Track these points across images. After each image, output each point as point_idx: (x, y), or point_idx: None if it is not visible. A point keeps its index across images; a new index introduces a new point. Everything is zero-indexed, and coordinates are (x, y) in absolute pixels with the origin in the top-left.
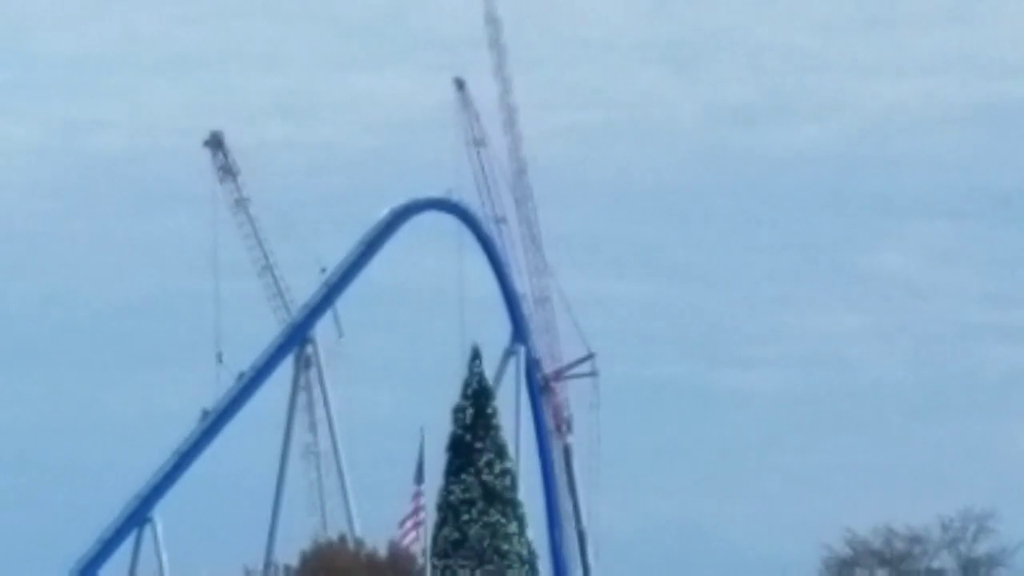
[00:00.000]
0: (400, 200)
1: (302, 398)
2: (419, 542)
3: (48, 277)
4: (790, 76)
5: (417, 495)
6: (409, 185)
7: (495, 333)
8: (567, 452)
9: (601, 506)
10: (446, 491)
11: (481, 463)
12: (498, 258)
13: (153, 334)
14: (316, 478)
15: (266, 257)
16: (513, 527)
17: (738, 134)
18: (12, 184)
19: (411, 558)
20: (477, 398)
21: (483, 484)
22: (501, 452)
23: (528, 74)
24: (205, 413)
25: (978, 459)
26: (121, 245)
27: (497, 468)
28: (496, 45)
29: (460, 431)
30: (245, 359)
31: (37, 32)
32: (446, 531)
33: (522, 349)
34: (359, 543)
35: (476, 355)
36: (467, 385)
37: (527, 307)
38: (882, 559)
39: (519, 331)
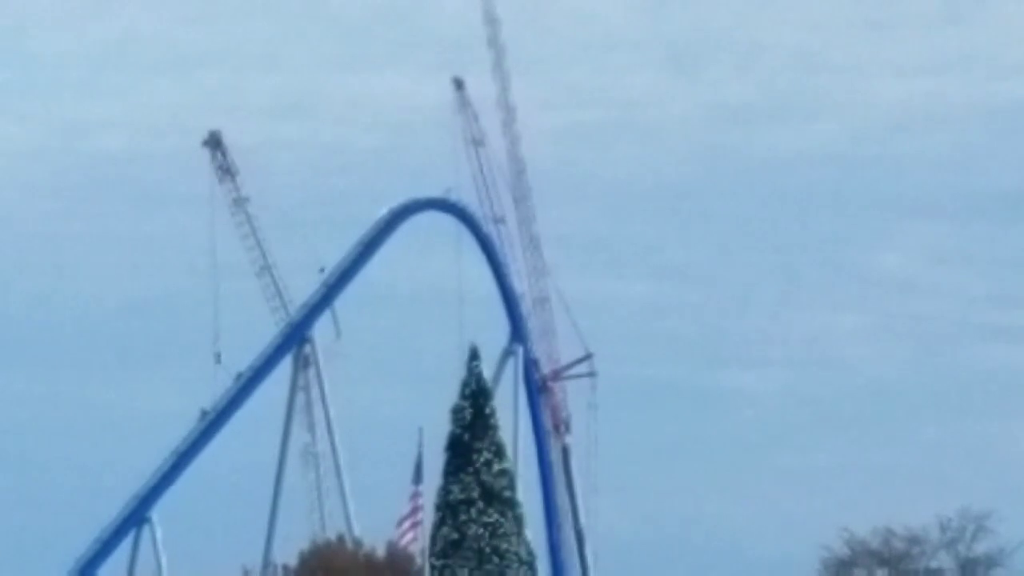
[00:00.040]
0: (399, 200)
1: (300, 398)
2: (417, 542)
3: (47, 277)
4: (790, 76)
5: (415, 495)
6: (408, 185)
7: (493, 333)
8: (565, 452)
9: (599, 506)
10: (444, 491)
11: (479, 463)
12: (497, 258)
13: (151, 334)
14: (314, 478)
15: (264, 257)
16: (511, 527)
17: (738, 134)
18: (12, 184)
19: (409, 558)
20: (475, 398)
21: (481, 484)
22: (499, 452)
23: (527, 74)
24: (203, 413)
25: (977, 459)
26: (120, 245)
27: (495, 468)
28: (495, 45)
29: (458, 431)
30: (243, 359)
31: (37, 32)
32: (444, 531)
33: (520, 349)
34: (357, 543)
35: (474, 355)
36: (465, 385)
37: (525, 307)
38: (881, 559)
39: (517, 331)
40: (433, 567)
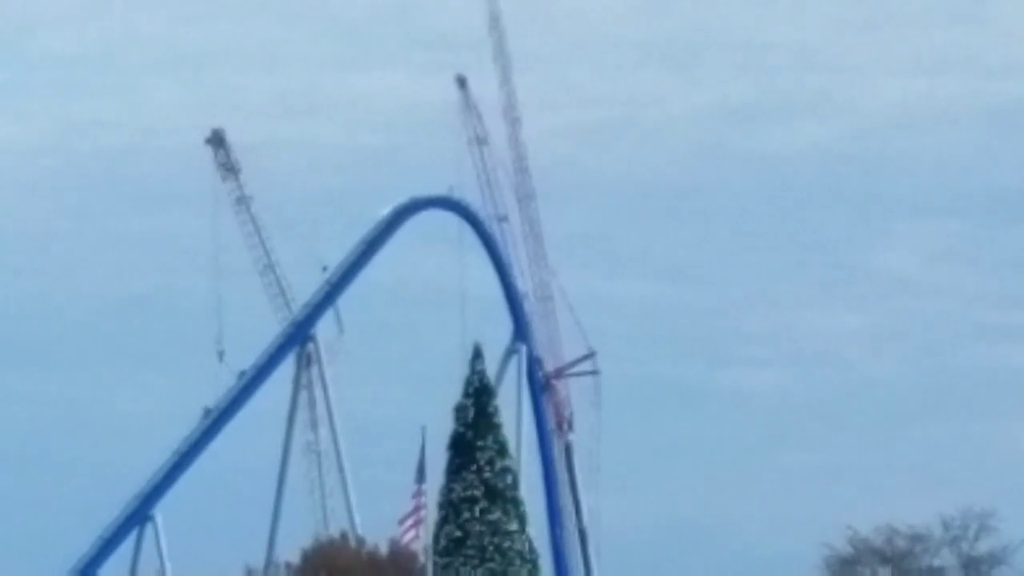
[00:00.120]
0: (402, 198)
1: (303, 396)
2: (419, 540)
3: (49, 276)
4: (790, 75)
5: (418, 493)
6: (411, 183)
7: (496, 331)
8: (568, 450)
9: (602, 504)
10: (447, 489)
11: (482, 461)
12: (499, 256)
13: (154, 333)
14: (317, 476)
15: (267, 255)
16: (514, 525)
17: (738, 133)
18: (13, 184)
19: (412, 556)
20: (478, 396)
21: (484, 482)
22: (502, 450)
23: (530, 73)
24: (206, 411)
25: (979, 458)
26: (122, 244)
27: (498, 466)
28: (498, 44)
29: (461, 429)
30: (246, 357)
31: (38, 32)
32: (447, 529)
33: (523, 347)
34: (360, 541)
35: (477, 353)
36: (468, 383)
37: (528, 305)
38: (883, 557)
39: (520, 329)
40: (436, 565)
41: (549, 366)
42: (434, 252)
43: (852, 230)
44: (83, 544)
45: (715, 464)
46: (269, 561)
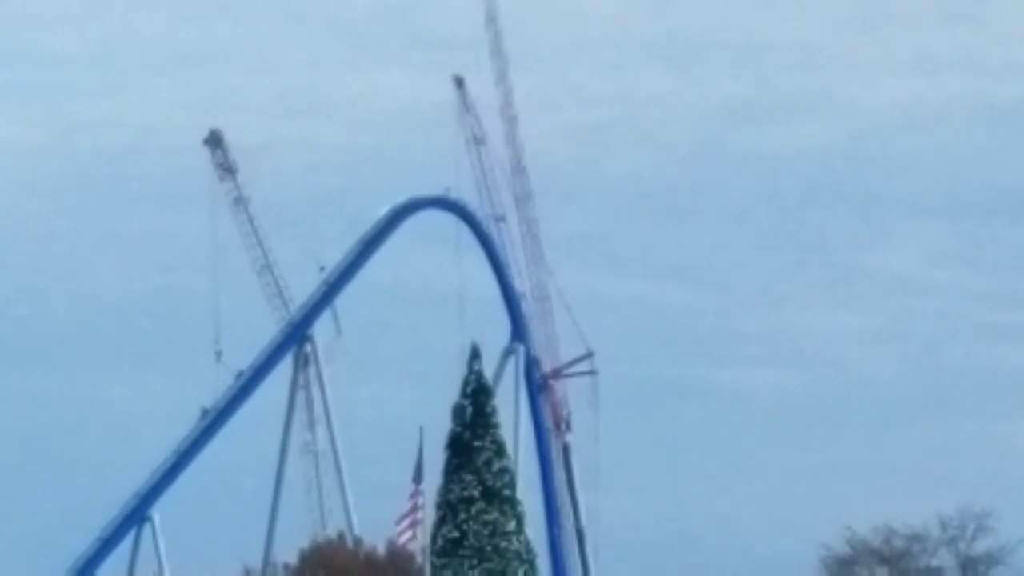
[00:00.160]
0: (399, 199)
1: (301, 396)
2: (416, 540)
3: (47, 276)
4: (789, 75)
5: (415, 494)
6: (408, 183)
7: (494, 331)
8: (566, 450)
9: (600, 504)
10: (445, 489)
11: (480, 462)
12: (497, 257)
13: (152, 333)
14: (315, 476)
15: (265, 256)
16: (512, 525)
17: (737, 133)
18: (12, 183)
19: (410, 556)
20: (476, 396)
21: (482, 482)
22: (500, 450)
23: (528, 73)
24: (204, 411)
25: (977, 458)
26: (120, 244)
27: (496, 466)
28: (496, 44)
29: (459, 429)
30: (244, 358)
31: (37, 31)
32: (445, 529)
33: (521, 347)
34: (358, 541)
35: (475, 353)
36: (466, 383)
37: (526, 306)
38: (881, 557)
39: (518, 329)
40: (433, 565)
41: (547, 366)
42: (432, 252)
43: (852, 230)
44: (81, 544)
45: (713, 464)
46: (267, 561)
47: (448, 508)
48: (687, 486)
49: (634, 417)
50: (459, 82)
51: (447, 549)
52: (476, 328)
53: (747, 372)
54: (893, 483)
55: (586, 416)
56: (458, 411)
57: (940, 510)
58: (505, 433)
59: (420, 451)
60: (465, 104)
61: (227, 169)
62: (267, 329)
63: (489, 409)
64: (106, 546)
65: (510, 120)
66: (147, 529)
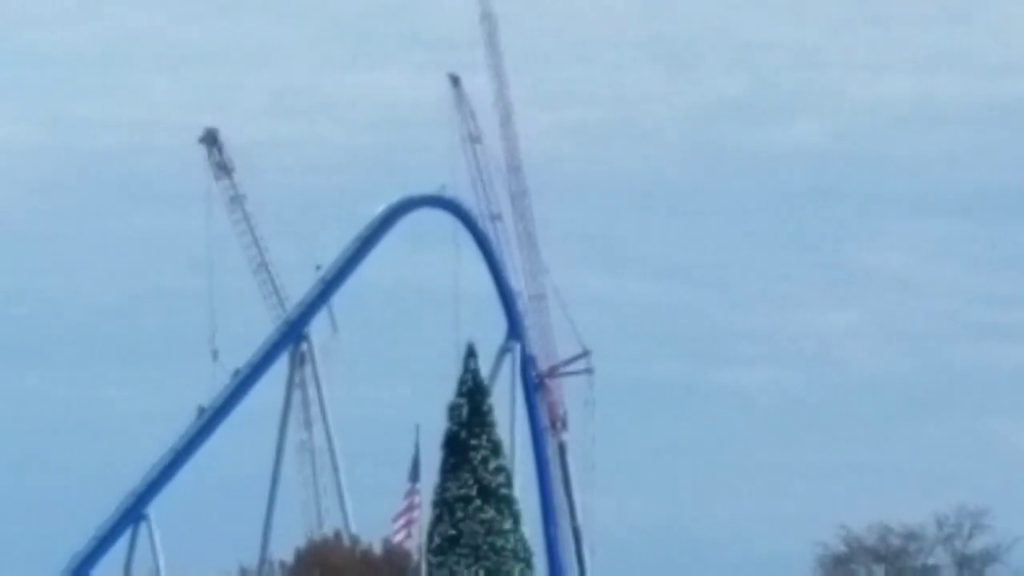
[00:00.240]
0: (395, 197)
1: (297, 395)
2: (412, 539)
3: (43, 275)
4: (785, 73)
5: (411, 492)
6: (404, 182)
7: (490, 330)
8: (562, 449)
9: (596, 503)
10: (441, 488)
11: (476, 460)
12: (493, 255)
13: (148, 331)
14: (311, 475)
15: (261, 254)
16: (508, 524)
17: (734, 131)
18: (7, 182)
19: (406, 555)
20: (472, 395)
21: (478, 481)
22: (496, 449)
23: (523, 71)
24: (201, 410)
25: (973, 456)
26: (116, 242)
27: (492, 465)
28: (491, 42)
29: (455, 428)
30: (240, 356)
31: (33, 30)
32: (441, 528)
33: (517, 346)
34: (354, 540)
35: (471, 352)
36: (462, 382)
37: (522, 304)
38: (877, 556)
39: (514, 328)
40: (430, 564)
41: (543, 365)
42: (428, 251)
43: (850, 229)
44: (77, 542)
45: (709, 463)
46: (263, 560)
47: (444, 507)
48: (683, 485)
49: (630, 416)
50: (455, 80)
51: (443, 547)
52: (472, 326)
53: (744, 371)
54: (889, 482)
55: (582, 415)
56: (454, 410)
57: (936, 508)
58: (501, 432)
59: (416, 450)
60: (461, 103)
61: (223, 168)
62: (263, 327)
63: (485, 408)
64: (102, 544)
65: (506, 118)
66: (143, 527)
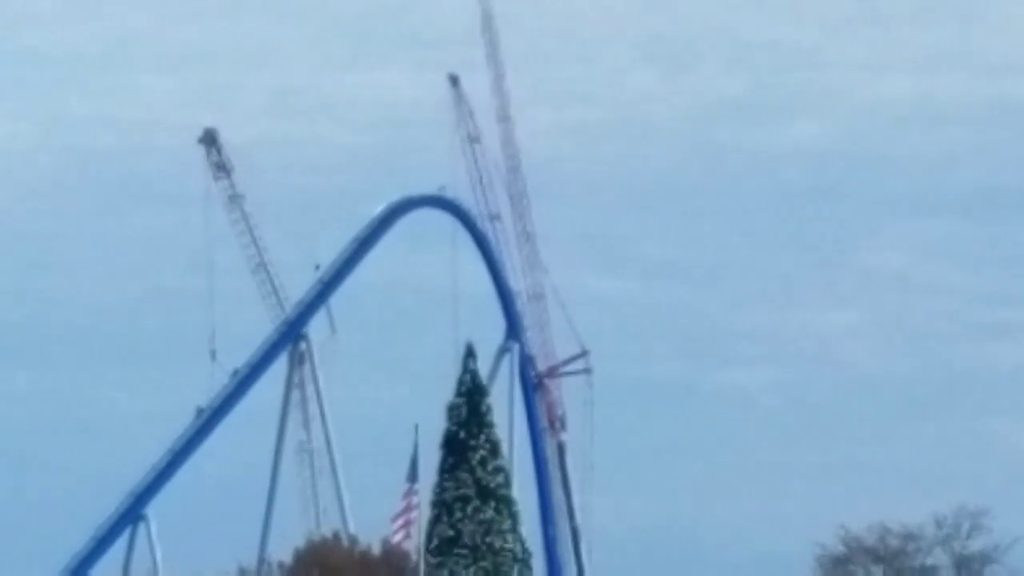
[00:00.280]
0: (394, 197)
1: (296, 395)
2: (410, 539)
3: (40, 275)
4: (785, 73)
5: (409, 492)
6: (403, 182)
7: (489, 330)
8: (561, 449)
9: (594, 503)
10: (440, 488)
11: (475, 460)
12: (492, 255)
13: (147, 331)
14: (310, 475)
15: (260, 254)
16: (507, 524)
17: (732, 131)
18: (6, 182)
19: (405, 555)
20: (471, 395)
21: (477, 481)
22: (495, 449)
23: (522, 71)
24: (199, 410)
25: (972, 456)
26: (114, 243)
27: (491, 465)
28: (491, 42)
29: (454, 428)
30: (239, 356)
31: (33, 30)
32: (440, 528)
33: (516, 346)
34: (353, 540)
35: (470, 352)
36: (461, 382)
37: (521, 304)
38: (876, 556)
39: (513, 328)
40: (429, 564)
41: (541, 365)
42: (427, 251)
43: (850, 229)
44: (76, 543)
45: (707, 462)
46: (261, 560)
47: (443, 507)
48: (681, 485)
49: (629, 416)
50: (454, 80)
51: (442, 548)
52: (471, 327)
53: (742, 370)
54: (889, 481)
55: (581, 415)
56: (453, 410)
57: (935, 509)
58: (500, 432)
59: (415, 450)
60: (460, 102)
61: (222, 168)
62: (262, 327)
63: (484, 408)
64: (101, 545)
65: (506, 119)
66: (142, 528)
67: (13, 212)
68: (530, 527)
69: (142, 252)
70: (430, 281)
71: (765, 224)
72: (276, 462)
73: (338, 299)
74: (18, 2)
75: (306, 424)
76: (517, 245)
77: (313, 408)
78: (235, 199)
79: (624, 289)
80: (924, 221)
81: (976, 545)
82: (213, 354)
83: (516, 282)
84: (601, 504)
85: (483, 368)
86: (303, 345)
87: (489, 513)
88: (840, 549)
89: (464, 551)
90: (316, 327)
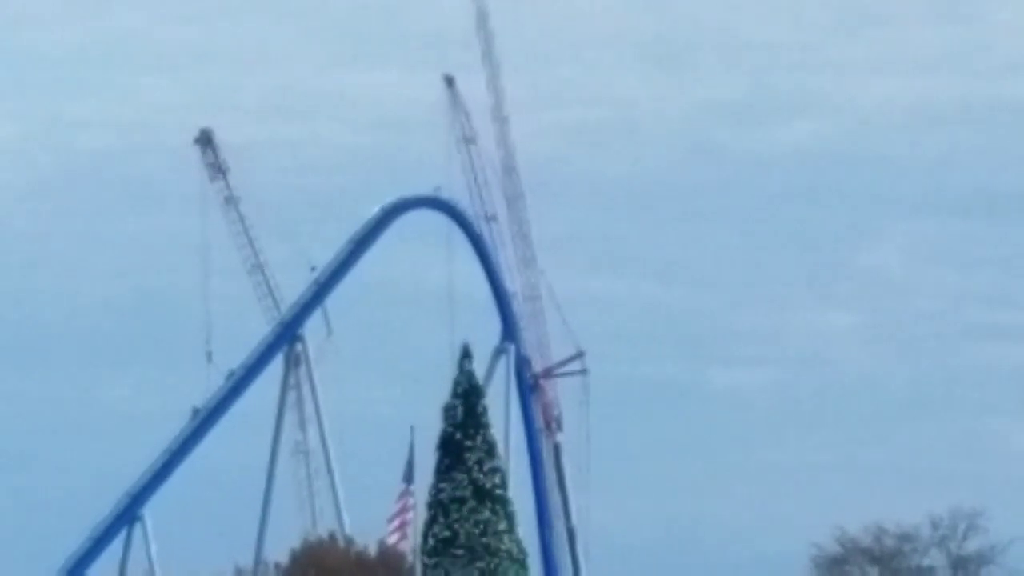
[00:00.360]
0: (390, 198)
1: (292, 396)
2: (406, 541)
3: (37, 276)
4: (781, 73)
5: (404, 493)
6: (399, 183)
7: (485, 331)
8: (557, 450)
9: (591, 504)
10: (436, 489)
11: (471, 461)
12: (488, 256)
13: (143, 332)
14: (306, 476)
15: (256, 255)
16: (503, 525)
17: (729, 131)
18: (4, 182)
19: (401, 556)
20: (467, 396)
21: (473, 482)
22: (491, 450)
23: (518, 71)
24: (195, 411)
25: (968, 457)
26: (110, 243)
27: (487, 466)
28: (486, 42)
29: (450, 429)
30: (235, 357)
31: (27, 29)
32: (436, 529)
33: (512, 347)
34: (349, 541)
35: (466, 353)
36: (457, 383)
37: (517, 305)
38: (872, 557)
39: (509, 329)
40: (425, 565)
41: (537, 366)
42: (422, 252)
43: (848, 230)
44: (72, 543)
45: (704, 463)
46: (258, 561)
47: (439, 508)
48: (678, 485)
49: (625, 416)
50: (449, 81)
51: (438, 549)
52: (467, 328)
53: (739, 370)
54: (884, 482)
55: (577, 416)
56: (449, 411)
57: (931, 509)
58: (496, 433)
59: (411, 451)
60: (456, 103)
61: (218, 169)
62: (258, 329)
63: (480, 409)
64: (97, 545)
65: (501, 119)
66: (138, 528)
67: (11, 212)
68: (526, 528)
69: (138, 253)
70: (426, 282)
71: (765, 224)
72: (272, 463)
73: (334, 300)
74: (18, 2)
75: (302, 425)
76: (513, 246)
77: (309, 409)
78: (231, 200)
79: (620, 290)
80: (923, 221)
81: (972, 546)
82: (209, 355)
83: (512, 283)
84: (597, 505)
85: (479, 369)
86: (299, 346)
87: (485, 514)
88: (836, 550)
89: (460, 552)
90: (312, 328)
